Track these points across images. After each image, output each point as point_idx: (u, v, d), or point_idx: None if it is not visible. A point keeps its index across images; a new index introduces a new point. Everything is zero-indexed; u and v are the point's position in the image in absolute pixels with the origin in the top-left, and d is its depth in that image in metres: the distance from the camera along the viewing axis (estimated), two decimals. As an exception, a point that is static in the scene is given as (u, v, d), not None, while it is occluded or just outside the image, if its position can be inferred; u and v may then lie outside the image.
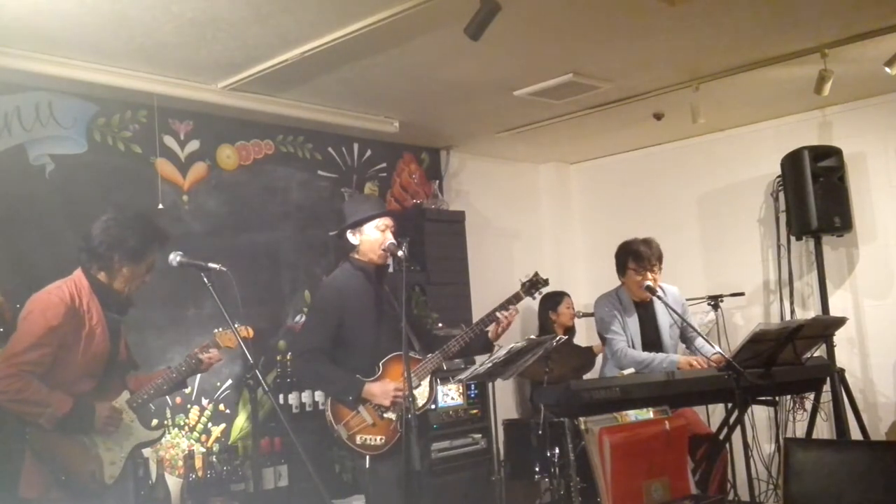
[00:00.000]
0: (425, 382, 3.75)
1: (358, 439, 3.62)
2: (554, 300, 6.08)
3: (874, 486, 3.31)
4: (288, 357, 4.91)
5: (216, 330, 3.46)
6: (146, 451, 4.25)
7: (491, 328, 3.87)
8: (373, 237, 3.78)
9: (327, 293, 3.83)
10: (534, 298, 4.02)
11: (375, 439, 3.62)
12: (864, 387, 5.53)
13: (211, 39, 3.86)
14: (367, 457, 3.60)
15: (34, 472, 3.02)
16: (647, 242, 4.68)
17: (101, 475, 3.09)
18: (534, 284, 3.92)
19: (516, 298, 3.88)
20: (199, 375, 4.52)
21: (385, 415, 3.64)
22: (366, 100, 5.03)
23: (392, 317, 3.78)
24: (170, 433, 4.44)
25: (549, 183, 7.18)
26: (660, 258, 4.67)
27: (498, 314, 3.81)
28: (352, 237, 3.82)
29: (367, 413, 3.64)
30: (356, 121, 5.27)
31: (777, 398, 5.01)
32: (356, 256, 3.84)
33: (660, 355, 4.56)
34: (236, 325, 3.39)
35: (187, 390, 4.54)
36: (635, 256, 4.64)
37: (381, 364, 3.70)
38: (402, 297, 3.51)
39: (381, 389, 3.62)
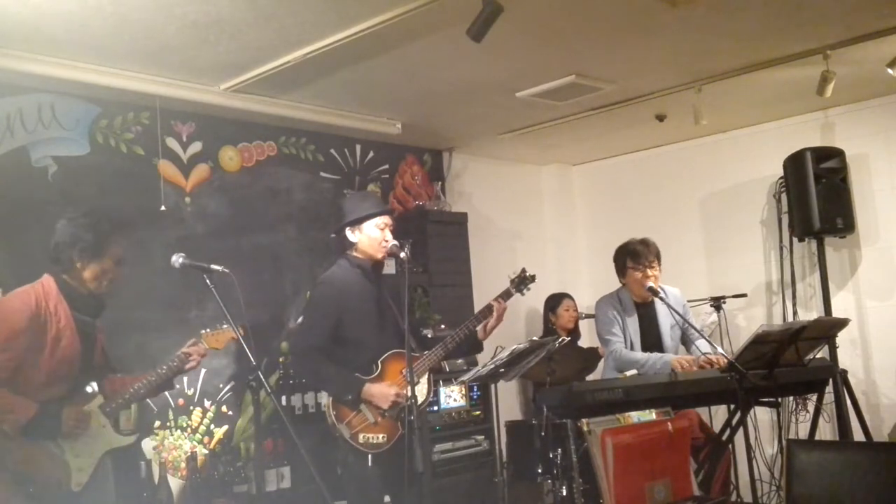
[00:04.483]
0: (424, 379, 3.76)
1: (360, 438, 3.60)
2: (554, 302, 6.08)
3: (877, 487, 3.30)
4: (290, 359, 4.90)
5: (203, 331, 3.43)
6: (149, 453, 4.27)
7: (480, 327, 3.88)
8: (372, 235, 3.77)
9: (326, 290, 3.78)
10: (523, 294, 4.05)
11: (378, 437, 3.61)
12: (866, 388, 5.53)
13: (213, 41, 3.86)
14: (370, 455, 3.59)
15: None
16: (644, 242, 4.71)
17: (67, 483, 3.02)
18: (522, 280, 3.98)
19: (507, 295, 3.94)
20: (201, 377, 4.55)
21: (386, 413, 3.63)
22: (368, 101, 5.03)
23: (390, 314, 3.78)
24: (172, 435, 4.44)
25: (552, 184, 7.18)
26: (658, 256, 4.69)
27: (491, 303, 3.86)
28: (351, 235, 3.81)
29: (369, 411, 3.62)
30: (358, 122, 5.27)
31: (780, 399, 5.01)
32: (354, 253, 3.82)
33: (654, 355, 4.56)
34: (224, 327, 3.37)
35: (189, 392, 4.54)
36: (633, 255, 4.66)
37: (379, 362, 3.69)
38: (404, 299, 3.49)
39: (381, 391, 3.60)
